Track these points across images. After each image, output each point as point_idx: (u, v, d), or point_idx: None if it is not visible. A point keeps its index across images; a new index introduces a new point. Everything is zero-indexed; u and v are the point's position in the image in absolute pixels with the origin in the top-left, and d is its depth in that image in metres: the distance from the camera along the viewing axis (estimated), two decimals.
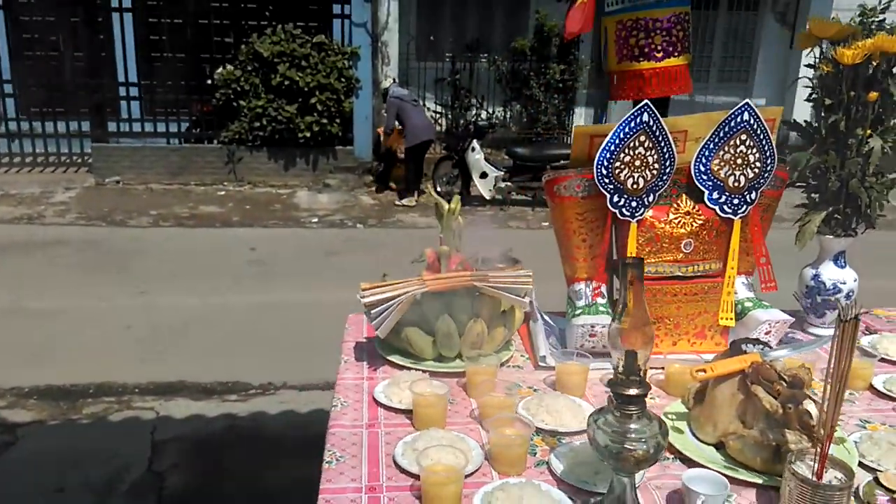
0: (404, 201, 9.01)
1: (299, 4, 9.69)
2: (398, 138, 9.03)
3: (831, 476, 1.15)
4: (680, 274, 1.74)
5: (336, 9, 9.70)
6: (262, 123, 9.47)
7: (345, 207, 9.03)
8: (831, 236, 1.85)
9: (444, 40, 10.60)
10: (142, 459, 3.58)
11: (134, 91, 9.81)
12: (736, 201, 1.71)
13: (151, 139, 9.85)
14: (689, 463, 1.34)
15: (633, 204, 1.69)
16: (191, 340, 5.02)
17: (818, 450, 1.16)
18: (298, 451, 3.62)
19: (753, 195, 1.70)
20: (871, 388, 1.65)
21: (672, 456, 1.37)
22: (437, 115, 10.52)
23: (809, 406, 1.24)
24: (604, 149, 1.64)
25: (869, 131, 1.72)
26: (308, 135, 9.57)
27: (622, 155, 1.65)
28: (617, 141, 1.64)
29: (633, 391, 1.10)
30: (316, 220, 8.54)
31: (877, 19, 1.69)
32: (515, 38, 10.12)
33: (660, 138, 1.65)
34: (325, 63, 9.46)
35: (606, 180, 1.66)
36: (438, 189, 9.30)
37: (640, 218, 1.70)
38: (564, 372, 1.60)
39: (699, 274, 1.74)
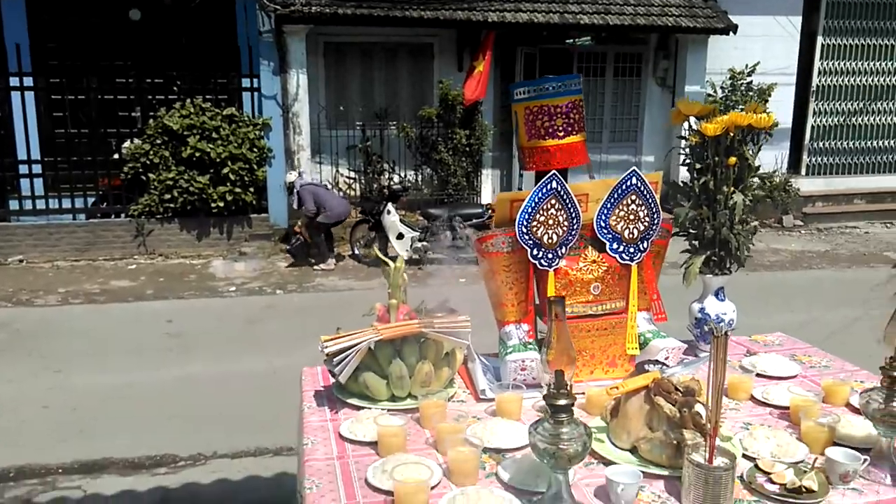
0: (322, 266, 9.16)
1: (208, 79, 9.89)
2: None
3: (719, 461, 1.47)
4: (591, 312, 2.07)
5: (245, 82, 9.95)
6: (173, 195, 9.46)
7: (263, 275, 9.08)
8: (711, 275, 2.24)
9: (353, 109, 11.00)
10: None
11: (36, 168, 9.60)
12: (632, 250, 2.06)
13: (56, 216, 9.61)
14: (610, 465, 1.62)
15: (550, 256, 2.02)
16: (112, 417, 4.92)
17: (708, 442, 1.48)
18: None
19: (645, 244, 2.07)
20: (752, 398, 2.01)
21: (596, 460, 1.66)
22: (351, 181, 10.83)
23: (700, 409, 1.56)
24: (523, 211, 1.97)
25: (732, 188, 2.13)
26: (221, 204, 9.62)
27: (538, 216, 1.98)
28: (533, 204, 1.97)
29: (562, 402, 1.39)
30: (234, 288, 8.53)
31: (745, 81, 2.11)
32: (422, 106, 10.66)
33: (567, 201, 2.00)
34: (236, 134, 9.63)
35: (527, 237, 1.99)
36: (356, 252, 9.54)
37: (556, 267, 2.02)
38: (503, 401, 1.88)
39: (607, 311, 2.08)
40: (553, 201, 1.98)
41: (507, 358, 2.03)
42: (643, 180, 2.05)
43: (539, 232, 1.99)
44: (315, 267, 9.17)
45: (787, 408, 1.91)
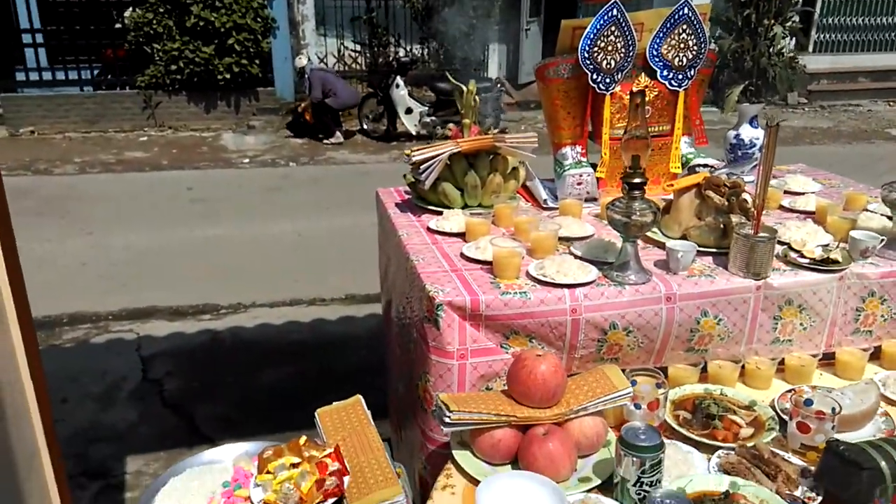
0: (332, 140, 9.28)
1: None
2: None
3: (763, 234, 1.76)
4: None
5: None
6: (179, 66, 9.42)
7: (274, 148, 9.21)
8: (747, 104, 2.47)
9: None
10: (135, 372, 3.89)
11: (39, 38, 9.46)
12: (680, 77, 2.28)
13: (62, 87, 9.57)
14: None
15: (607, 80, 2.23)
16: (150, 272, 5.23)
17: (753, 220, 1.76)
18: (281, 354, 4.06)
19: (692, 72, 2.28)
20: (781, 206, 2.31)
21: (651, 244, 1.96)
22: (356, 54, 10.74)
23: (745, 196, 1.84)
24: (585, 37, 2.17)
25: (773, 21, 2.31)
26: (228, 77, 9.60)
27: (598, 41, 2.18)
28: (595, 30, 2.17)
29: (637, 180, 1.66)
30: (247, 160, 8.70)
31: None
32: None
33: (625, 28, 2.19)
34: (239, 3, 9.46)
35: (588, 62, 2.19)
36: (365, 127, 9.62)
37: (612, 91, 2.24)
38: (566, 205, 2.16)
39: (655, 134, 2.31)
40: (612, 28, 2.17)
41: (566, 174, 2.29)
42: (694, 10, 2.23)
43: (599, 57, 2.19)
44: (325, 141, 9.30)
45: (813, 212, 2.21)
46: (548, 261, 1.75)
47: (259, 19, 9.64)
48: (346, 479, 1.46)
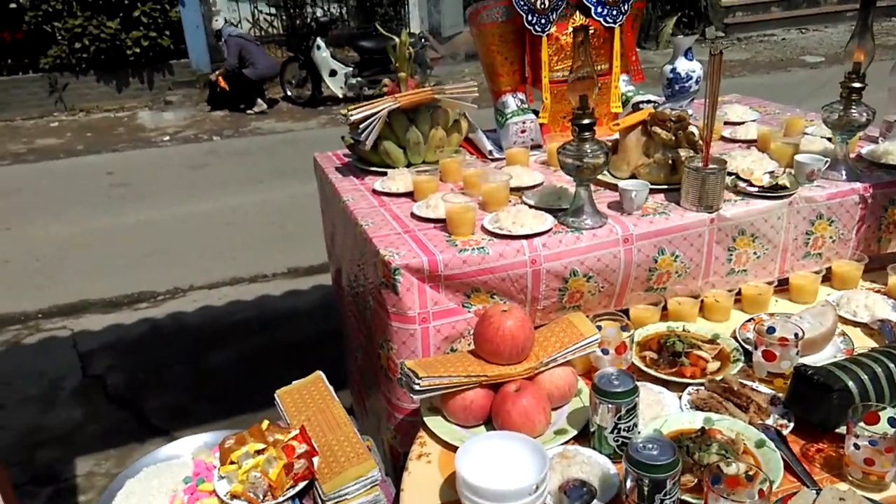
0: (255, 109, 8.95)
1: None
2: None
3: (713, 165, 1.74)
4: None
5: None
6: (83, 44, 8.87)
7: (195, 122, 8.83)
8: (681, 36, 2.43)
9: None
10: (74, 369, 3.70)
11: None
12: (614, 12, 2.22)
13: None
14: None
15: (542, 21, 2.16)
16: (78, 264, 4.97)
17: (702, 152, 1.74)
18: (227, 336, 3.92)
19: (626, 6, 2.23)
20: (723, 137, 2.31)
21: (602, 187, 1.93)
22: (271, 17, 10.32)
23: (692, 129, 1.81)
24: None
25: None
26: (138, 51, 9.11)
27: None
28: None
29: (586, 121, 1.61)
30: (167, 137, 8.32)
31: None
32: None
33: None
34: None
35: (521, 2, 2.11)
36: (289, 93, 9.30)
37: (548, 32, 2.17)
38: (512, 154, 2.10)
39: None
40: None
41: (509, 122, 2.22)
42: None
43: None
44: (248, 111, 8.96)
45: (755, 140, 2.22)
46: (502, 213, 1.69)
47: None
48: (316, 459, 1.40)
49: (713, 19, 9.33)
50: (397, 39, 2.11)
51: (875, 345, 1.64)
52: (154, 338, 4.00)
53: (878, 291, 1.86)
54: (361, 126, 1.97)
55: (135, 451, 2.97)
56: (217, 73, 8.83)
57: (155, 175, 6.94)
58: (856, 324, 1.74)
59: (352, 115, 1.97)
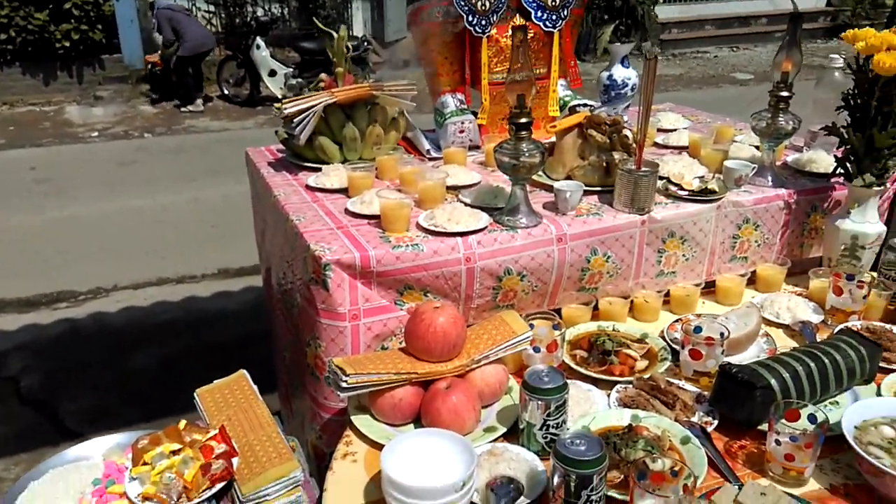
0: (190, 107, 8.71)
1: None
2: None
3: (645, 168, 1.76)
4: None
5: None
6: (10, 35, 8.46)
7: (126, 119, 8.53)
8: (618, 44, 2.48)
9: None
10: None
11: None
12: (554, 17, 2.24)
13: None
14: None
15: (483, 23, 2.15)
16: None
17: (635, 156, 1.76)
18: (151, 337, 3.77)
19: (566, 11, 2.24)
20: (655, 143, 2.35)
21: (538, 188, 1.93)
22: (210, 15, 10.08)
23: (626, 133, 1.84)
24: None
25: None
26: (67, 45, 8.74)
27: None
28: None
29: (523, 120, 1.60)
30: (96, 133, 8.00)
31: None
32: None
33: None
34: None
35: (462, 3, 2.10)
36: (226, 92, 9.10)
37: (488, 34, 2.17)
38: (450, 154, 2.09)
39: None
40: None
41: (448, 122, 2.21)
42: None
43: None
44: (182, 108, 8.71)
45: (686, 147, 2.26)
46: (438, 210, 1.67)
47: None
48: (235, 460, 1.34)
49: (649, 35, 9.62)
50: (336, 35, 2.07)
51: (796, 345, 1.69)
52: (73, 338, 3.82)
53: (800, 294, 1.92)
54: (296, 120, 1.92)
55: (47, 454, 2.77)
56: (156, 55, 8.54)
57: (80, 171, 6.65)
58: (778, 325, 1.79)
59: (286, 109, 1.92)
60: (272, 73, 8.74)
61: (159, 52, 8.58)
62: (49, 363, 3.54)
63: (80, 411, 3.13)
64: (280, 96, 8.75)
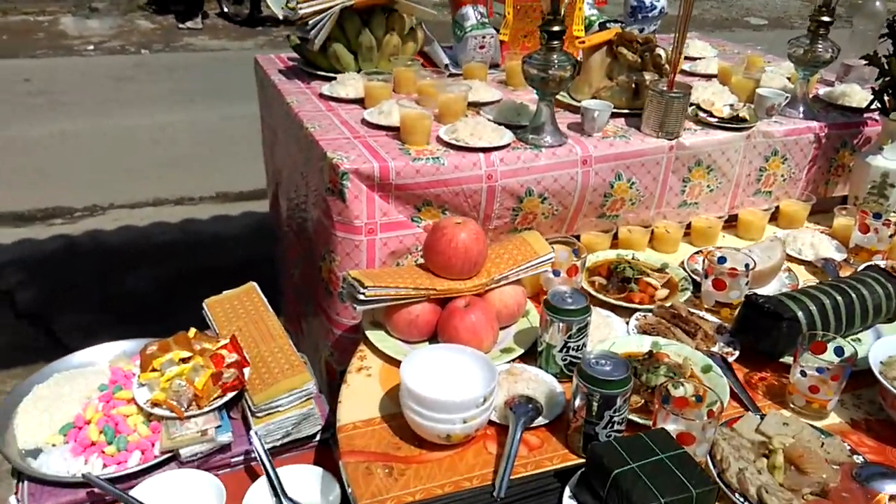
0: (189, 24, 8.42)
1: None
2: None
3: (676, 90, 1.68)
4: None
5: None
6: None
7: (122, 33, 8.25)
8: None
9: None
10: None
11: None
12: None
13: None
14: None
15: None
16: None
17: (667, 77, 1.68)
18: (148, 257, 3.70)
19: None
20: (683, 70, 2.25)
21: (562, 108, 1.84)
22: None
23: (659, 52, 1.75)
24: None
25: None
26: None
27: None
28: None
29: (556, 28, 1.51)
30: (91, 47, 7.75)
31: None
32: None
33: None
34: None
35: None
36: (226, 10, 8.80)
37: None
38: (470, 68, 1.99)
39: None
40: None
41: (468, 35, 2.10)
42: None
43: None
44: (181, 25, 8.42)
45: (715, 75, 2.17)
46: (460, 123, 1.59)
47: None
48: (247, 370, 1.30)
49: None
50: None
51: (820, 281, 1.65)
52: (68, 255, 3.76)
53: (822, 233, 1.87)
54: (311, 23, 1.81)
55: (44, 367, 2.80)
56: None
57: (76, 85, 6.46)
58: (800, 261, 1.75)
59: (301, 9, 1.81)
60: None
61: None
62: (44, 279, 3.48)
63: (76, 328, 3.09)
64: (281, 17, 8.44)
